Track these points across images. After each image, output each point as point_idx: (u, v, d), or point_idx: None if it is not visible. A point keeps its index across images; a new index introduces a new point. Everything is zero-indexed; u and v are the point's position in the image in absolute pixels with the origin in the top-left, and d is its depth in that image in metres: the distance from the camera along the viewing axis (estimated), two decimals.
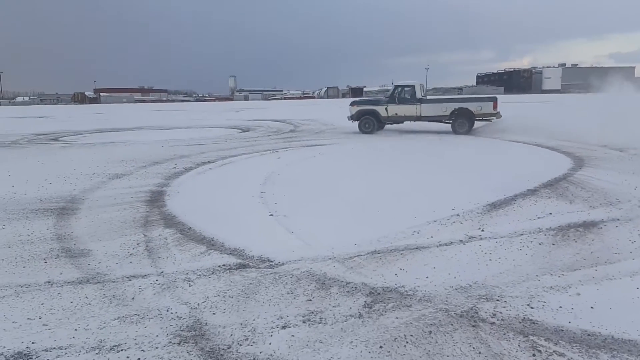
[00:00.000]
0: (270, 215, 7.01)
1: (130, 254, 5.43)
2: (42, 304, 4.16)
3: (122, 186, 9.31)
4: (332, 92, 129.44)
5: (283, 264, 5.07)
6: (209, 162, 12.39)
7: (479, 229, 6.22)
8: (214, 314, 3.93)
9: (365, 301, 4.14)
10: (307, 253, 5.37)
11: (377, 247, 5.54)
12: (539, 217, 6.69)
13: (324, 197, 8.20)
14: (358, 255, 5.28)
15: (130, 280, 4.68)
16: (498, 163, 11.74)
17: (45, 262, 5.21)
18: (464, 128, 18.64)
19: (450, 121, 18.95)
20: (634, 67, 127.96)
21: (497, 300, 4.18)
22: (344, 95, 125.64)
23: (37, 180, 9.90)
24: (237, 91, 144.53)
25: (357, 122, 19.96)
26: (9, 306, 4.12)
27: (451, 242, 5.71)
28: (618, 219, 6.54)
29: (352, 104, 20.49)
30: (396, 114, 19.25)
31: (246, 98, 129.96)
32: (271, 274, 4.78)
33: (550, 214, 6.86)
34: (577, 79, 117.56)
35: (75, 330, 3.67)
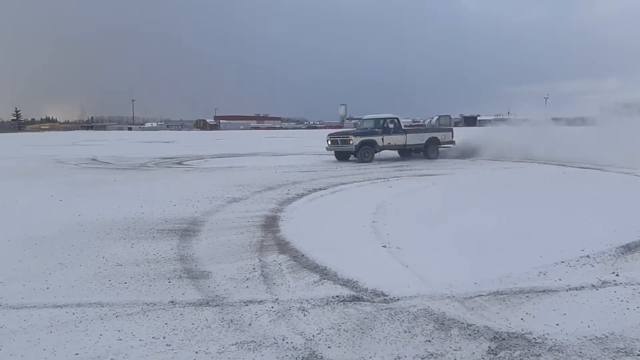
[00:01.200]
0: (383, 246, 6.88)
1: (247, 279, 5.53)
2: (165, 323, 4.32)
3: (239, 210, 9.63)
4: (444, 121, 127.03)
5: (398, 299, 4.91)
6: (320, 189, 12.52)
7: (613, 273, 5.67)
8: (329, 347, 3.85)
9: (489, 347, 3.87)
10: (423, 289, 5.17)
11: (500, 288, 5.21)
12: None
13: (438, 230, 7.93)
14: (479, 296, 5.00)
15: (247, 305, 4.75)
16: (628, 200, 10.77)
17: (169, 282, 5.45)
18: (434, 153, 22.44)
19: (423, 149, 22.47)
20: None
21: (638, 355, 3.74)
22: (456, 124, 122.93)
23: (162, 201, 10.53)
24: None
25: (334, 152, 22.16)
26: (135, 324, 4.32)
27: (582, 287, 5.24)
28: None
29: (338, 135, 22.51)
30: (389, 143, 21.72)
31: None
32: (386, 309, 4.63)
33: None
34: None
35: (196, 352, 3.76)
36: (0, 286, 5.39)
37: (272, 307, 4.68)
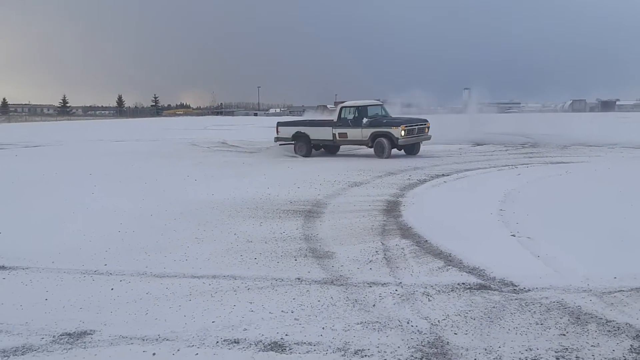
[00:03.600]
0: (512, 235, 6.59)
1: (370, 261, 5.58)
2: (293, 299, 4.49)
3: (361, 194, 9.71)
4: (578, 106, 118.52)
5: (529, 290, 4.68)
6: (444, 174, 12.25)
7: None
8: (455, 334, 3.78)
9: (631, 345, 3.58)
10: (556, 281, 4.88)
11: None
12: None
13: (572, 221, 7.43)
14: (619, 291, 4.63)
15: (370, 286, 4.79)
16: None
17: (296, 260, 5.65)
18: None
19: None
20: None
21: None
22: (591, 109, 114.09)
23: (287, 184, 10.90)
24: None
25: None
26: (266, 297, 4.54)
27: None
28: None
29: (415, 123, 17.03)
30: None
31: (481, 111, 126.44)
32: (516, 299, 4.44)
33: None
34: None
35: (323, 328, 3.87)
36: (145, 256, 5.91)
37: (396, 290, 4.68)
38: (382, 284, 4.85)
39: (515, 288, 4.75)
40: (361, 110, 17.07)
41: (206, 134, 33.02)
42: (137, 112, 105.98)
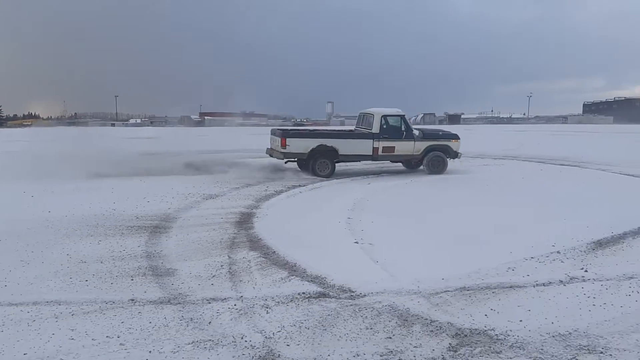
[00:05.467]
0: (356, 242, 6.83)
1: (213, 276, 5.44)
2: (122, 322, 4.21)
3: (214, 207, 9.51)
4: (428, 119, 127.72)
5: (364, 295, 4.85)
6: (300, 185, 12.42)
7: (582, 269, 5.67)
8: (288, 345, 3.78)
9: (450, 343, 3.82)
10: (390, 285, 5.12)
11: (467, 284, 5.18)
12: None
13: (413, 227, 7.90)
14: (445, 291, 4.96)
15: (209, 303, 4.66)
16: (603, 196, 10.85)
17: (132, 280, 5.34)
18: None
19: None
20: None
21: (601, 352, 3.73)
22: (440, 122, 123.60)
23: (136, 197, 10.36)
24: (334, 116, 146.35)
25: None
26: (91, 322, 4.21)
27: (550, 282, 5.23)
28: None
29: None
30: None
31: (342, 123, 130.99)
32: (351, 305, 4.57)
33: None
34: None
35: (150, 352, 3.67)
36: None
37: (235, 305, 4.60)
38: (222, 300, 4.75)
39: (352, 294, 4.89)
40: (405, 120, 14.98)
41: (55, 145, 30.52)
42: None
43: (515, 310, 4.47)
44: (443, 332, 4.03)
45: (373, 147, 14.39)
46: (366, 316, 4.31)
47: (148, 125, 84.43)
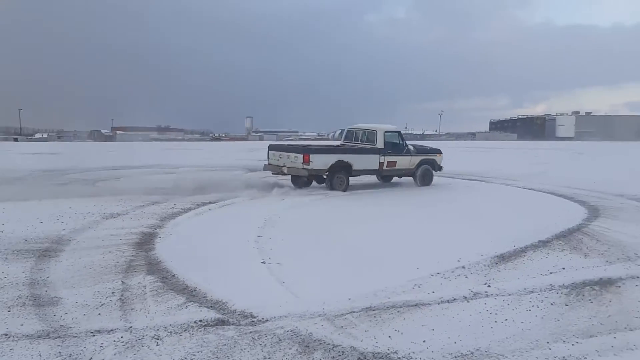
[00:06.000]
0: (263, 262, 6.55)
1: (102, 305, 4.98)
2: None
3: (114, 227, 8.91)
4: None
5: (266, 320, 4.59)
6: (210, 202, 11.99)
7: (485, 284, 5.71)
8: None
9: None
10: (295, 308, 4.89)
11: (373, 303, 5.05)
12: (551, 273, 6.18)
13: (324, 244, 7.75)
14: (351, 312, 4.80)
15: (94, 335, 4.22)
16: (507, 211, 11.26)
17: (9, 311, 4.78)
18: None
19: None
20: None
21: None
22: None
23: (28, 218, 9.54)
24: (254, 132, 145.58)
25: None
26: None
27: (454, 299, 5.21)
28: (637, 277, 6.01)
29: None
30: None
31: (261, 138, 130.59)
32: (251, 332, 4.30)
33: (564, 269, 6.35)
34: (591, 126, 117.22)
35: None
36: None
37: (122, 337, 4.19)
38: (108, 332, 4.31)
39: (253, 320, 4.61)
40: (402, 136, 15.70)
41: None
42: None
43: (419, 330, 4.37)
44: (345, 357, 3.85)
45: (379, 162, 14.85)
46: (265, 344, 4.05)
47: (55, 140, 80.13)
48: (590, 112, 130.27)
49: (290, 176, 15.16)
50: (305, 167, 13.75)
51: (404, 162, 15.44)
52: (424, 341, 4.14)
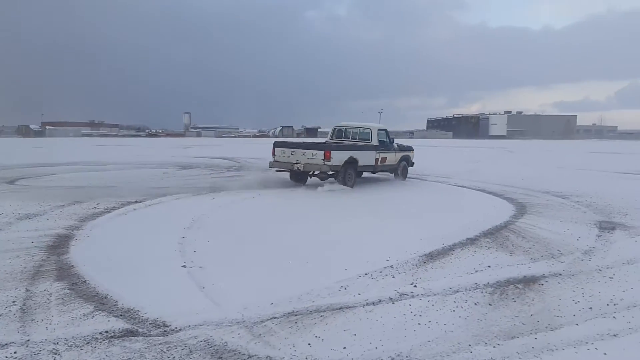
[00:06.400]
0: (183, 266, 6.22)
1: (0, 315, 4.53)
2: None
3: (28, 229, 8.30)
4: (286, 132, 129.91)
5: (179, 329, 4.29)
6: (136, 202, 11.45)
7: (412, 284, 5.63)
8: None
9: None
10: (212, 315, 4.61)
11: (296, 307, 4.85)
12: (476, 271, 6.18)
13: (253, 245, 7.48)
14: (272, 318, 4.57)
15: None
16: (438, 208, 11.34)
17: None
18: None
19: None
20: (576, 116, 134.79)
21: None
22: (298, 135, 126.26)
23: None
24: (192, 128, 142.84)
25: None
26: None
27: (380, 301, 5.08)
28: (560, 274, 6.10)
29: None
30: None
31: (199, 135, 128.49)
32: (160, 343, 3.99)
33: (489, 266, 6.36)
34: (522, 125, 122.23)
35: None
36: None
37: (16, 353, 3.79)
38: (2, 346, 3.90)
39: (165, 329, 4.30)
40: (389, 134, 16.58)
41: None
42: None
43: (341, 336, 4.19)
44: None
45: (375, 158, 15.57)
46: (174, 357, 3.75)
47: None
48: (522, 112, 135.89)
49: (289, 172, 15.54)
50: (326, 163, 14.05)
51: (391, 158, 16.36)
52: (345, 348, 3.97)
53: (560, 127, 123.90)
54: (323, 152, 14.11)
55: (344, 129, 16.72)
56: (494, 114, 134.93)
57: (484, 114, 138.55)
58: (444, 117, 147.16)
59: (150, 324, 4.43)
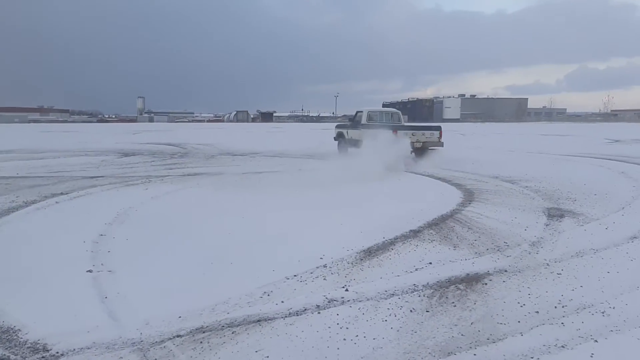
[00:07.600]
0: (89, 271, 5.49)
1: None
2: None
3: None
4: (241, 116, 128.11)
5: (59, 355, 3.61)
6: (61, 193, 10.54)
7: (344, 287, 5.07)
8: None
9: None
10: (105, 334, 3.94)
11: (207, 321, 4.22)
12: (416, 269, 5.67)
13: (176, 243, 6.76)
14: (175, 337, 3.93)
15: None
16: (383, 196, 10.80)
17: None
18: None
19: None
20: (527, 99, 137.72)
21: None
22: (253, 120, 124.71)
23: None
24: (145, 113, 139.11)
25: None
26: None
27: (305, 310, 4.50)
28: (506, 271, 5.65)
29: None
30: None
31: (151, 120, 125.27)
32: None
33: (430, 263, 5.87)
34: (475, 109, 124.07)
35: None
36: None
37: None
38: None
39: (44, 356, 3.61)
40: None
41: None
42: None
43: (251, 359, 3.60)
44: None
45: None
46: None
47: None
48: (475, 95, 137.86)
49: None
50: (441, 140, 17.50)
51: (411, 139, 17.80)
52: None
53: (512, 110, 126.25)
54: (439, 132, 17.50)
55: (376, 113, 19.43)
56: (448, 97, 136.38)
57: (438, 97, 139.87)
58: (399, 100, 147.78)
59: (28, 347, 3.73)
